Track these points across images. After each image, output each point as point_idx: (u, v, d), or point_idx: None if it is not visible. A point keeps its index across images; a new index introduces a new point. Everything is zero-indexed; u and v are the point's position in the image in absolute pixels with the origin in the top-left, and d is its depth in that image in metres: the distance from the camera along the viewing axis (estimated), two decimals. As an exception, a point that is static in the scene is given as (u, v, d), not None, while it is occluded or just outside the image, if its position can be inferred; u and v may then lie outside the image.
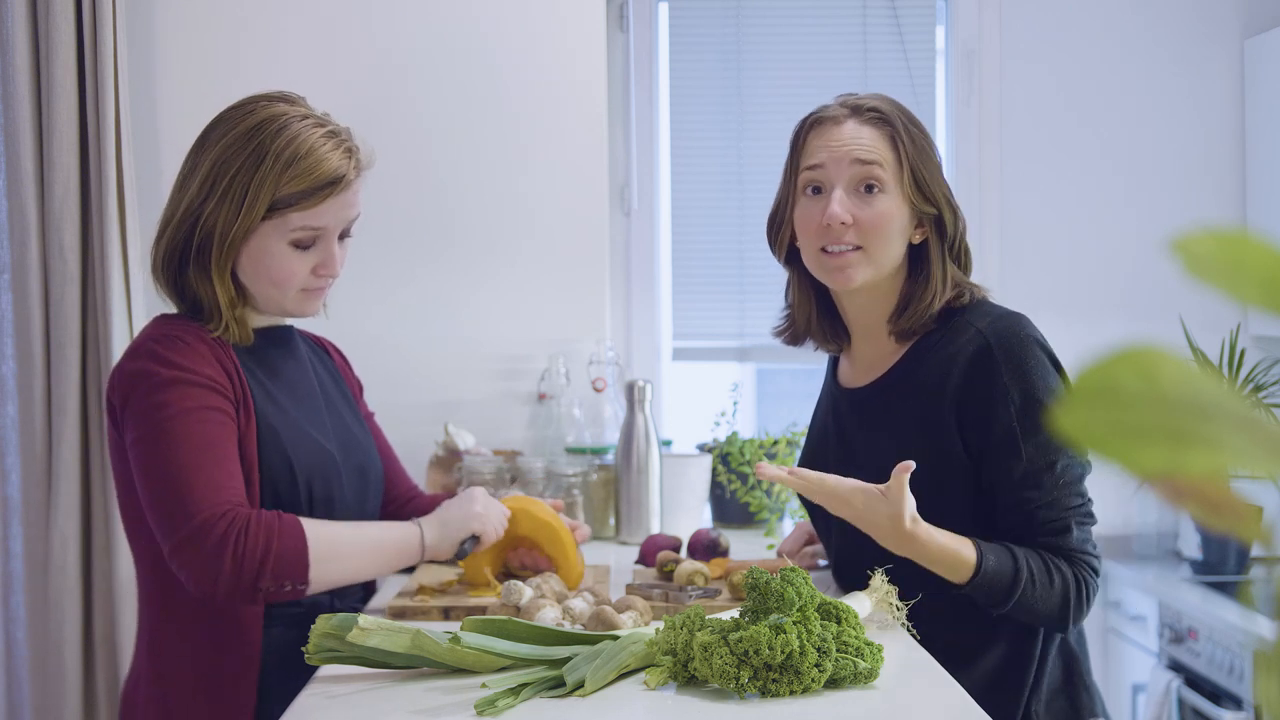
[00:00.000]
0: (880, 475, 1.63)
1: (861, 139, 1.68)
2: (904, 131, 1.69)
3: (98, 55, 2.43)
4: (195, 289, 1.68)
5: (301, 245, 1.68)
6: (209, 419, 1.60)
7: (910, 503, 1.53)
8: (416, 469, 2.41)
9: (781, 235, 1.78)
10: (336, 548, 1.60)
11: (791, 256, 1.80)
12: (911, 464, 1.53)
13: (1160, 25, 3.16)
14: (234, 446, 1.62)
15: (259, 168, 1.63)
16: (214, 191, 1.64)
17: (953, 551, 1.56)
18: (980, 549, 1.58)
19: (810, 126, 1.73)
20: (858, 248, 1.66)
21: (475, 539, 1.75)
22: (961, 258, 1.74)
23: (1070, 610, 1.60)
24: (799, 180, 1.73)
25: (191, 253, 1.67)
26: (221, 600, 1.56)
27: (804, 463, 1.90)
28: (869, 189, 1.67)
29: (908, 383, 1.69)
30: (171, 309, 1.77)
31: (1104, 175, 3.17)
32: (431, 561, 1.81)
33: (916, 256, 1.73)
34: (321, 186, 1.65)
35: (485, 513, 1.75)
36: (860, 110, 1.70)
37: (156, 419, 1.59)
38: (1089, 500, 1.63)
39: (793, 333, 1.84)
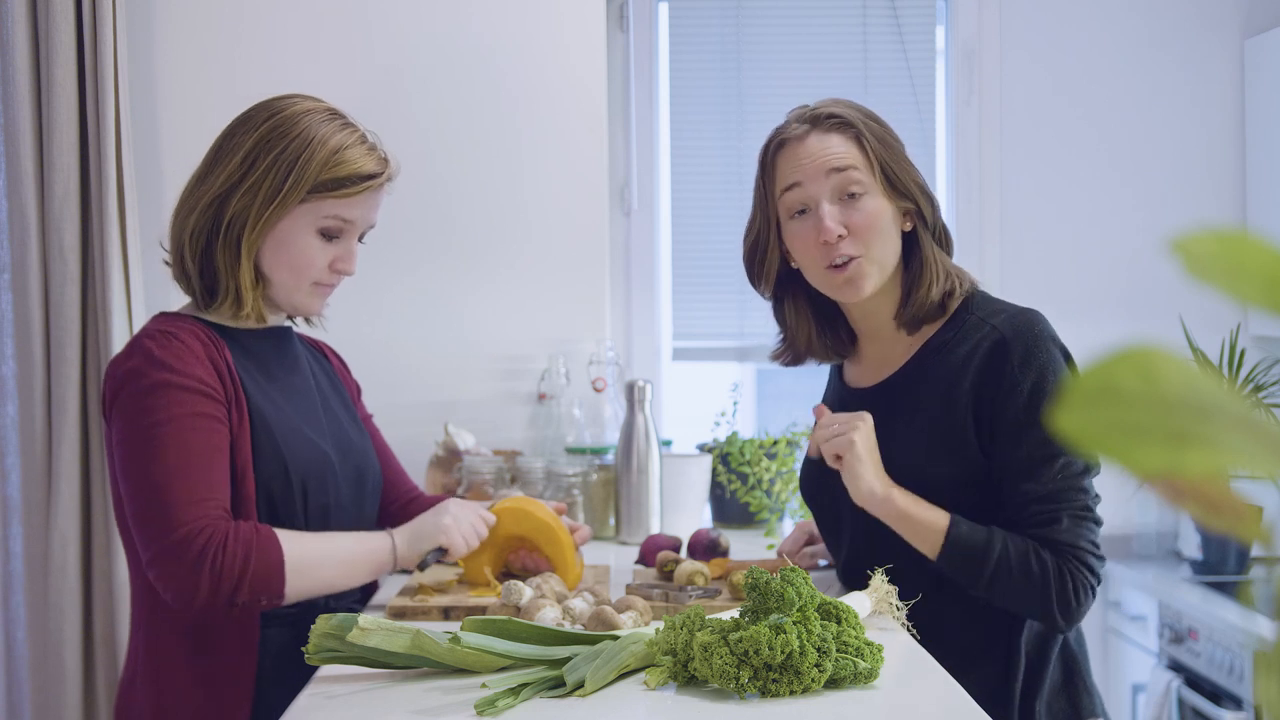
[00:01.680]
0: (896, 472, 1.63)
1: (829, 147, 1.67)
2: (865, 130, 1.69)
3: (98, 55, 2.43)
4: (219, 266, 1.69)
5: (328, 235, 1.71)
6: (196, 426, 1.59)
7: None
8: (416, 469, 2.41)
9: (768, 265, 1.76)
10: (312, 562, 1.61)
11: (780, 282, 1.79)
12: (823, 407, 1.70)
13: (1160, 25, 3.16)
14: (222, 453, 1.62)
15: (306, 149, 1.66)
16: (254, 169, 1.67)
17: (927, 515, 1.60)
18: (954, 519, 1.59)
19: (775, 150, 1.72)
20: (855, 257, 1.66)
21: (441, 551, 1.74)
22: (943, 239, 1.75)
23: (1055, 604, 1.57)
24: (780, 206, 1.72)
25: (220, 231, 1.68)
26: (197, 612, 1.58)
27: (811, 464, 1.90)
28: (851, 195, 1.67)
29: (921, 379, 1.69)
30: (173, 306, 1.77)
31: (1104, 175, 3.17)
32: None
33: (908, 246, 1.73)
34: (364, 178, 1.70)
35: (453, 525, 1.74)
36: (819, 120, 1.69)
37: (142, 424, 1.59)
38: (1093, 498, 1.61)
39: (794, 354, 1.84)
